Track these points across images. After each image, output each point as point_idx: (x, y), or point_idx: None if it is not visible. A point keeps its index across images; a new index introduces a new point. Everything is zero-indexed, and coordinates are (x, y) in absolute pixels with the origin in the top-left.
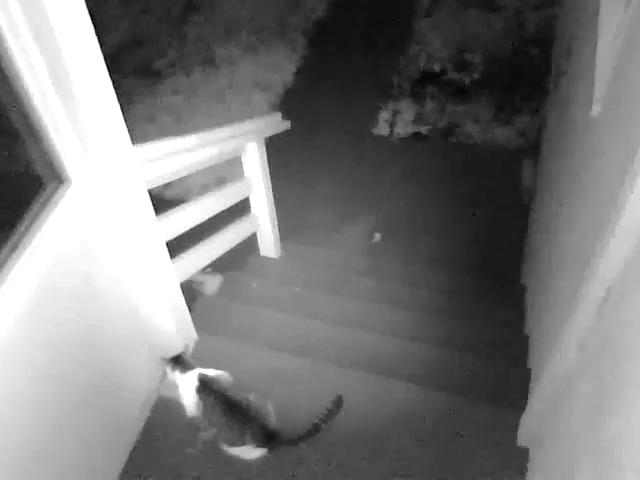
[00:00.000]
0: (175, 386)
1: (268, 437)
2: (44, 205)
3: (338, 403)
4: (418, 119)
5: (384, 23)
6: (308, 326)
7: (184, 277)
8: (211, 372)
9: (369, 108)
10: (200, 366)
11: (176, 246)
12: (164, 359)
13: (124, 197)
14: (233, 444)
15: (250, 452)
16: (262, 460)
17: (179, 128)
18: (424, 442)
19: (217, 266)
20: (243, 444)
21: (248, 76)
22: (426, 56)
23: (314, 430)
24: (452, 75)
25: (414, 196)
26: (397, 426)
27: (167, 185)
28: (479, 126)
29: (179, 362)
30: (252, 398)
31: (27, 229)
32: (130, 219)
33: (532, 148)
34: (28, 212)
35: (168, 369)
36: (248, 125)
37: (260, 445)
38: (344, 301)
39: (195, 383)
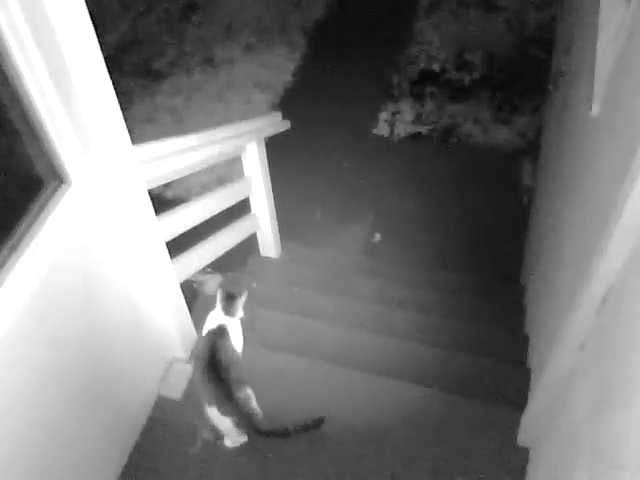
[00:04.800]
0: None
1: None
2: (44, 205)
3: (317, 424)
4: (418, 119)
5: (384, 23)
6: (308, 326)
7: (184, 277)
8: (236, 328)
9: (369, 108)
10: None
11: (176, 246)
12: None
13: (124, 197)
14: (211, 404)
15: (229, 431)
16: (262, 460)
17: (179, 128)
18: (424, 442)
19: (217, 266)
20: (214, 404)
21: (248, 76)
22: (426, 56)
23: (283, 434)
24: (452, 75)
25: (414, 196)
26: (397, 426)
27: (167, 185)
28: (479, 126)
29: (230, 298)
30: (249, 392)
31: (27, 229)
32: (130, 219)
33: (532, 148)
34: (28, 212)
35: (218, 295)
36: (248, 125)
37: (229, 415)
38: (344, 301)
39: (213, 327)
